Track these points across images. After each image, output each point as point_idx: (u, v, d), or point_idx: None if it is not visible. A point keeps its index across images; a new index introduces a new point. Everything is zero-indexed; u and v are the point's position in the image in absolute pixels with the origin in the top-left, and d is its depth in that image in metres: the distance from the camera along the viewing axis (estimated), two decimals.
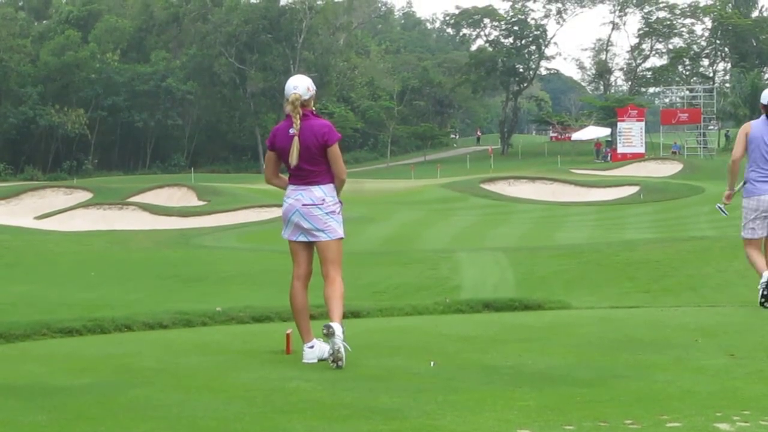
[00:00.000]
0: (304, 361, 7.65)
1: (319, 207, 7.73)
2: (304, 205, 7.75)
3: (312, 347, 7.70)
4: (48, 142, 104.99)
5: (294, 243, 7.91)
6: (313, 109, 7.90)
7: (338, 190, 7.87)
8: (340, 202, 7.86)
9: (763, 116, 10.96)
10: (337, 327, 7.32)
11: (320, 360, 7.61)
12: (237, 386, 6.59)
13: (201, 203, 57.29)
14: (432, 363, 7.32)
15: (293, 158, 7.72)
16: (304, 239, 7.85)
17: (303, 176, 7.78)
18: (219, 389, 6.47)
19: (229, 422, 5.47)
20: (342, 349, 7.26)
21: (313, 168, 7.74)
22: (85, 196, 62.07)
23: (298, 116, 7.74)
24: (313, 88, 7.88)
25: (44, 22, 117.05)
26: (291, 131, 7.76)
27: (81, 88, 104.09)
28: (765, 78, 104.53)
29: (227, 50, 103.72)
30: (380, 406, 5.84)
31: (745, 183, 11.13)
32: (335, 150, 7.76)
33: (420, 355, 7.76)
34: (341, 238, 7.84)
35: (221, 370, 7.26)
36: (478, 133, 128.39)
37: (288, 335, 8.03)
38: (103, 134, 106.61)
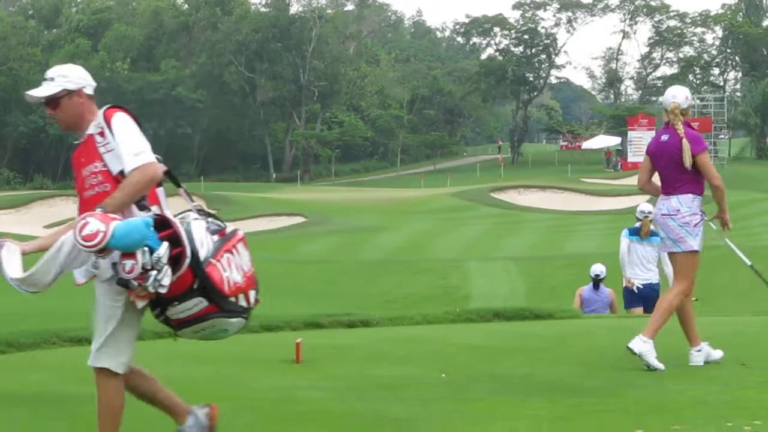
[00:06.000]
0: (691, 363, 7.72)
1: (673, 218, 7.76)
2: (662, 215, 7.83)
3: (699, 350, 7.80)
4: (58, 150, 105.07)
5: None
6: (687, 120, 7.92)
7: (718, 199, 7.83)
8: (702, 213, 7.82)
9: (591, 284, 15.03)
10: (635, 345, 7.41)
11: (707, 363, 7.71)
12: (246, 396, 6.57)
13: (210, 212, 57.34)
14: (443, 375, 7.29)
15: (686, 160, 7.68)
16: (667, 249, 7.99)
17: (668, 184, 7.83)
18: (228, 398, 6.44)
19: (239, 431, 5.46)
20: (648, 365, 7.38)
21: (678, 176, 7.75)
22: None
23: (679, 122, 7.79)
24: (690, 98, 8.00)
25: (54, 30, 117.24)
26: (663, 138, 7.84)
27: None
28: None
29: (237, 59, 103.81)
30: (390, 416, 5.82)
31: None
32: (703, 158, 7.73)
33: (430, 364, 7.74)
34: (693, 251, 7.79)
35: (231, 380, 7.24)
36: (499, 142, 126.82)
37: (298, 344, 8.00)
38: None
